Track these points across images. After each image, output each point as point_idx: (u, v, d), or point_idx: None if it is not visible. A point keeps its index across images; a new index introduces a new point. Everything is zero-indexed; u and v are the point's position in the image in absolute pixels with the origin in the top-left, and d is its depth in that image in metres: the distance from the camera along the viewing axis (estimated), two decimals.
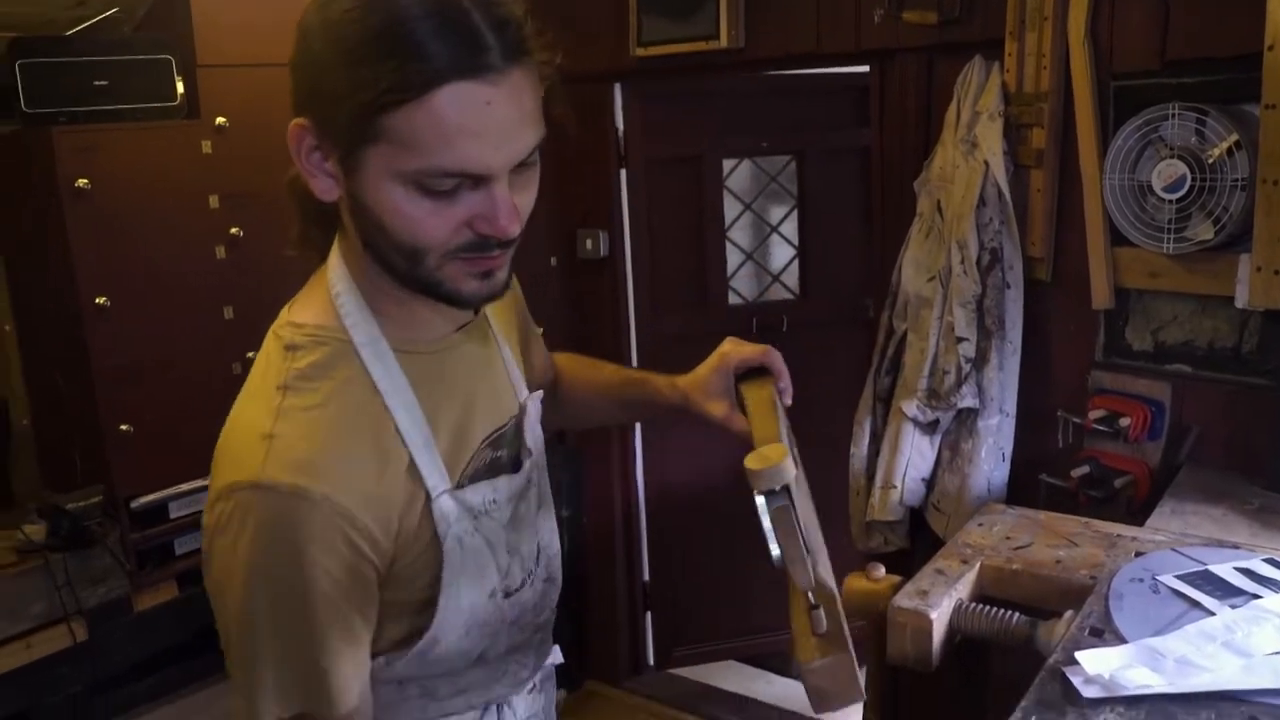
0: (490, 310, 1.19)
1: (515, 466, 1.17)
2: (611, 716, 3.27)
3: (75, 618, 2.17)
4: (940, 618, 1.38)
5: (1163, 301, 2.15)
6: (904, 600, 1.38)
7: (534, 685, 1.25)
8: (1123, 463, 2.15)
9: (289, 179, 1.05)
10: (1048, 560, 1.53)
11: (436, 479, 1.03)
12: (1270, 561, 1.58)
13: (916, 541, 2.42)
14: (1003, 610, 1.39)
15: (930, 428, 2.27)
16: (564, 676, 3.33)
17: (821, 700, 0.99)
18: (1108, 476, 2.13)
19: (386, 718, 1.10)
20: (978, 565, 1.51)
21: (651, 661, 3.42)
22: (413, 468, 1.02)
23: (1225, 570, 1.56)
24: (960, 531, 1.62)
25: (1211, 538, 1.72)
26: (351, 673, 1.00)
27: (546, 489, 1.24)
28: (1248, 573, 1.55)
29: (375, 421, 1.00)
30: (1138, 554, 1.62)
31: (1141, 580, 1.54)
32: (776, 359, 1.25)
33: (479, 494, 1.08)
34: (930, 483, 2.32)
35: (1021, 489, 2.28)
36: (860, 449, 2.41)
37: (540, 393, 1.27)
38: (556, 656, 1.30)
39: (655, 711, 3.26)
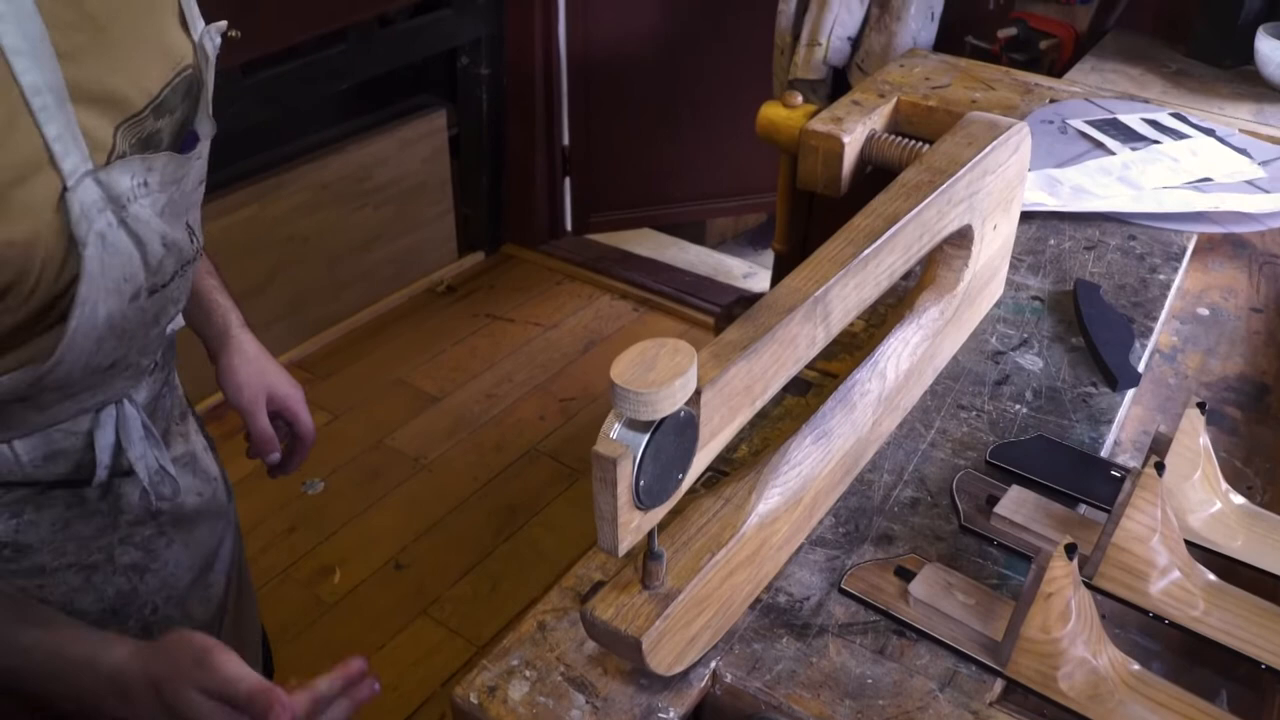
0: None
1: (188, 142, 0.87)
2: (528, 278, 3.34)
3: None
4: (853, 144, 1.39)
5: None
6: (818, 124, 1.38)
7: (154, 363, 1.02)
8: (1051, 25, 2.12)
9: None
10: (963, 100, 1.54)
11: (76, 157, 0.75)
12: (1176, 115, 1.61)
13: None
14: (915, 141, 1.41)
15: None
16: (482, 238, 3.39)
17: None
18: (1033, 38, 2.11)
19: None
20: (894, 100, 1.50)
21: (569, 226, 3.47)
22: (36, 133, 0.73)
23: (1133, 120, 1.59)
24: (880, 70, 1.60)
25: (1125, 92, 1.74)
26: None
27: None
28: (1153, 123, 1.58)
29: None
30: (1051, 100, 1.64)
31: (1051, 122, 1.56)
32: None
33: (128, 173, 0.80)
34: (856, 42, 2.27)
35: (946, 51, 2.25)
36: (788, 5, 2.32)
37: (224, 24, 0.90)
38: (178, 321, 1.03)
39: (571, 273, 3.34)
